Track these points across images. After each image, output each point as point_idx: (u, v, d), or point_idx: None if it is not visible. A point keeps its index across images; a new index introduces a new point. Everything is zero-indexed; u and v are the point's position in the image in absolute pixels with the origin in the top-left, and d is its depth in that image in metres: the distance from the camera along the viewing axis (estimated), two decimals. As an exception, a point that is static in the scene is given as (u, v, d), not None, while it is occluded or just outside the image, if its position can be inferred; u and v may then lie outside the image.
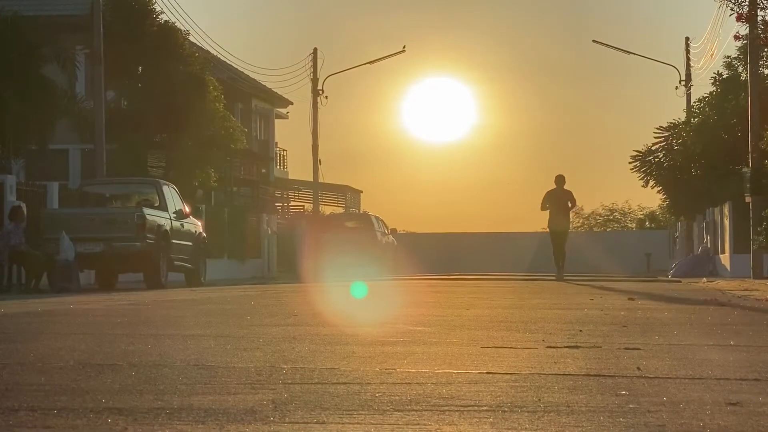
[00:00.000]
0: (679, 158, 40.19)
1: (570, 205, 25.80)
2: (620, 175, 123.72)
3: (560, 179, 25.56)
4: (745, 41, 32.54)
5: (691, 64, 47.85)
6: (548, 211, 25.44)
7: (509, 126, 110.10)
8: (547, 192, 25.49)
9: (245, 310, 11.54)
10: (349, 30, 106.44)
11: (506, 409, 4.30)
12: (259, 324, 9.02)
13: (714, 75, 39.63)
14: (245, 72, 47.36)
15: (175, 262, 24.95)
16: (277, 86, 51.01)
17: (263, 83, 50.06)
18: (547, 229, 26.75)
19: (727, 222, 35.28)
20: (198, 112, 32.73)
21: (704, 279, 26.67)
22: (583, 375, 5.34)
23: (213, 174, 34.77)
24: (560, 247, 25.48)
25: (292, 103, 56.15)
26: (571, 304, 12.60)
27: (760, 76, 33.12)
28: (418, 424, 3.98)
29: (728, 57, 39.89)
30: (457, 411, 4.27)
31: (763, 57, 35.05)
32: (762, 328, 8.67)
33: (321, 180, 51.65)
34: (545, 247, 58.40)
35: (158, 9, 33.42)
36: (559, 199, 25.32)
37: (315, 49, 49.96)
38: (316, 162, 50.32)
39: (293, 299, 14.38)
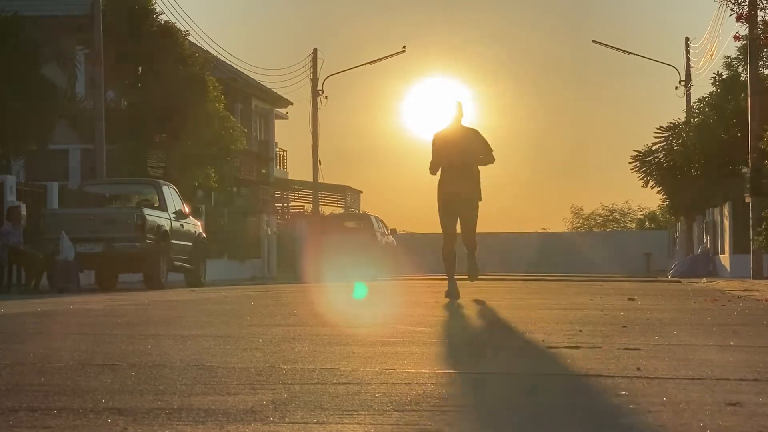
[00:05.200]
0: (679, 158, 40.22)
1: (478, 157, 13.95)
2: (620, 175, 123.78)
3: (456, 110, 14.06)
4: (745, 41, 32.55)
5: (691, 65, 47.90)
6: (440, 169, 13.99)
7: (509, 126, 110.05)
8: (437, 136, 14.01)
9: (245, 310, 11.54)
10: (349, 30, 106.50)
11: (506, 409, 4.30)
12: (259, 324, 9.02)
13: (714, 75, 39.69)
14: (245, 72, 47.39)
15: (175, 262, 24.96)
16: (276, 86, 51.07)
17: (263, 83, 50.09)
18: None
19: (726, 222, 35.30)
20: (198, 112, 32.73)
21: (704, 279, 26.67)
22: (583, 375, 5.34)
23: (213, 174, 34.78)
24: (455, 233, 14.06)
25: (292, 104, 56.21)
26: (571, 304, 12.59)
27: (760, 76, 33.12)
28: (418, 424, 3.98)
29: (728, 57, 39.96)
30: (457, 411, 4.26)
31: (763, 57, 35.06)
32: (762, 328, 8.66)
33: (321, 180, 51.66)
34: (545, 247, 58.73)
35: (158, 9, 33.47)
36: (459, 147, 13.86)
37: (315, 49, 49.99)
38: (316, 162, 50.34)
39: (293, 299, 14.38)
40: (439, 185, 14.05)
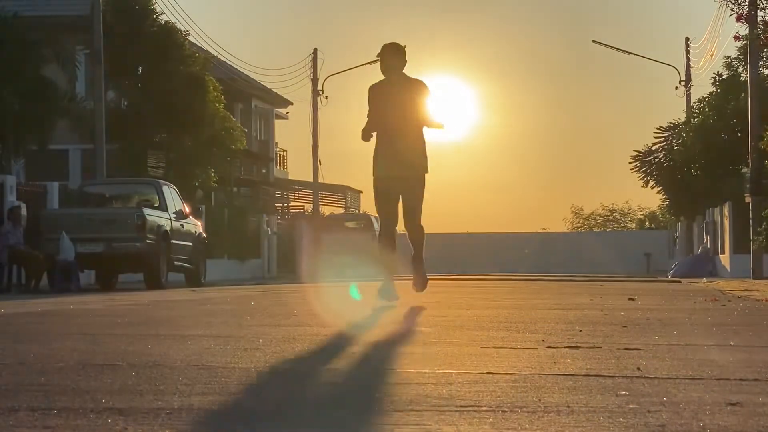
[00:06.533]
0: (679, 158, 40.24)
1: (424, 117, 11.19)
2: (620, 175, 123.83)
3: (394, 55, 11.22)
4: (745, 41, 32.57)
5: (691, 65, 47.97)
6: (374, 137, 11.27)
7: (510, 126, 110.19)
8: (373, 89, 11.43)
9: (245, 310, 11.53)
10: (349, 30, 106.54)
11: (506, 410, 4.29)
12: (259, 324, 9.01)
13: (714, 75, 39.71)
14: (245, 72, 47.46)
15: (175, 262, 24.97)
16: (277, 86, 51.18)
17: (263, 83, 50.14)
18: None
19: (727, 222, 35.32)
20: (198, 112, 32.77)
21: (704, 279, 26.67)
22: (583, 375, 5.34)
23: (213, 174, 34.81)
24: (396, 215, 11.77)
25: (292, 104, 56.27)
26: (571, 304, 12.59)
27: (760, 77, 33.15)
28: (418, 424, 3.98)
29: (728, 57, 40.01)
30: (457, 411, 4.26)
31: (763, 57, 35.09)
32: (762, 328, 8.66)
33: (321, 180, 51.69)
34: (545, 247, 58.72)
35: (158, 9, 33.52)
36: (399, 104, 11.15)
37: (315, 50, 50.05)
38: (316, 162, 50.37)
39: (293, 299, 14.37)
40: (373, 159, 11.25)
